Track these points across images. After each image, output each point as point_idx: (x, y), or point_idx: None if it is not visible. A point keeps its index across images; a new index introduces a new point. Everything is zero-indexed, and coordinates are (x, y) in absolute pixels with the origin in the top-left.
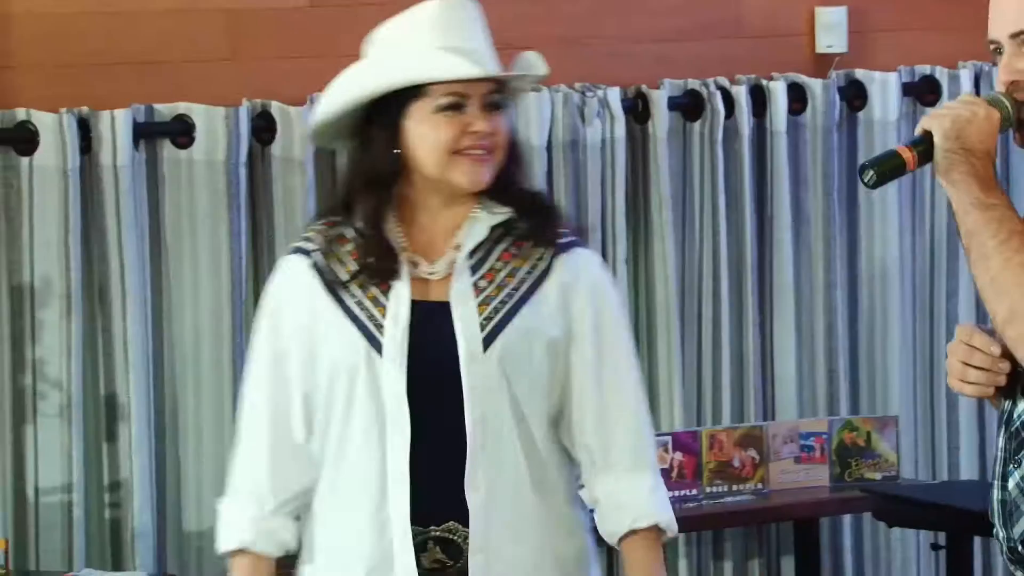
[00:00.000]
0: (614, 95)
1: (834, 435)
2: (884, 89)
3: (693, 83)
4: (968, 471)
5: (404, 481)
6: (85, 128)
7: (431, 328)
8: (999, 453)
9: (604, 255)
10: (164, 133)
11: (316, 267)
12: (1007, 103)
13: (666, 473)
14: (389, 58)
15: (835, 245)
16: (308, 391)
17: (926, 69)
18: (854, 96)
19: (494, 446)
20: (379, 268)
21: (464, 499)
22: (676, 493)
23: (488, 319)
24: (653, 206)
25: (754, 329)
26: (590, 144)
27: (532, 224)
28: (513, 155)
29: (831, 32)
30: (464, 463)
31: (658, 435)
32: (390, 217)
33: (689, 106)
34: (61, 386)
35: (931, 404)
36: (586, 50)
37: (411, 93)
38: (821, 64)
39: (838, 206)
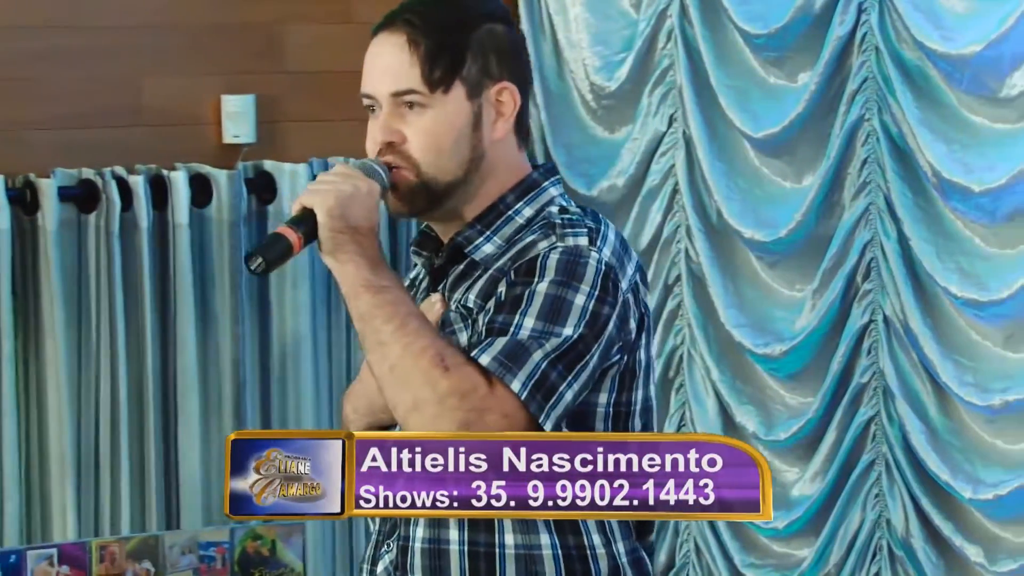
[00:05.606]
0: None
1: (236, 544)
2: (294, 181)
3: (88, 172)
4: None
5: None
6: None
7: None
8: (374, 535)
9: None
10: None
11: None
12: (380, 170)
13: None
14: None
15: (244, 344)
16: None
17: (339, 159)
18: (264, 188)
19: None
20: None
21: None
22: None
23: None
24: (44, 303)
25: (156, 433)
26: None
27: None
28: None
29: (238, 121)
30: None
31: (43, 547)
32: None
33: (83, 197)
34: None
35: None
36: None
37: None
38: (229, 154)
39: (247, 303)
